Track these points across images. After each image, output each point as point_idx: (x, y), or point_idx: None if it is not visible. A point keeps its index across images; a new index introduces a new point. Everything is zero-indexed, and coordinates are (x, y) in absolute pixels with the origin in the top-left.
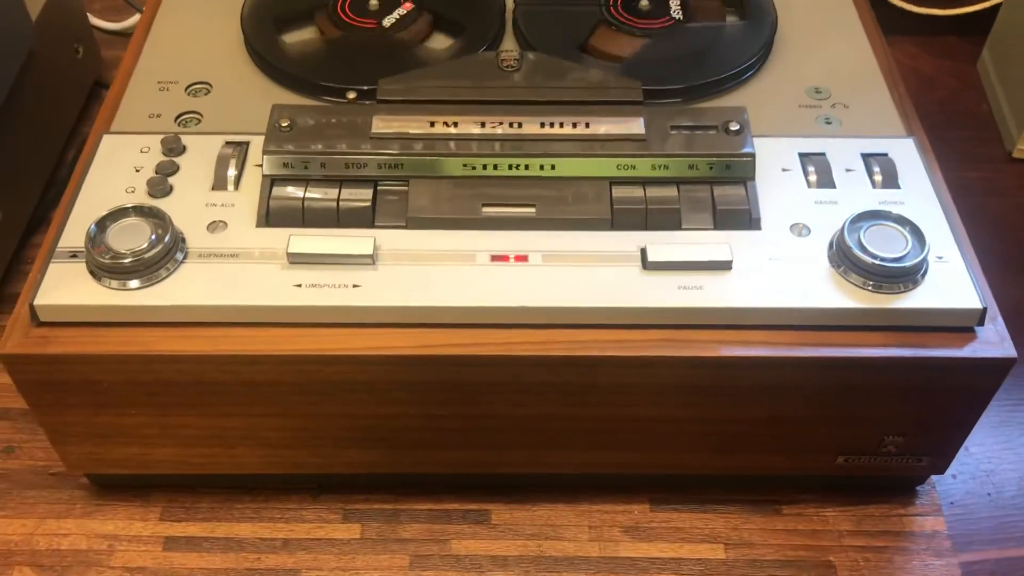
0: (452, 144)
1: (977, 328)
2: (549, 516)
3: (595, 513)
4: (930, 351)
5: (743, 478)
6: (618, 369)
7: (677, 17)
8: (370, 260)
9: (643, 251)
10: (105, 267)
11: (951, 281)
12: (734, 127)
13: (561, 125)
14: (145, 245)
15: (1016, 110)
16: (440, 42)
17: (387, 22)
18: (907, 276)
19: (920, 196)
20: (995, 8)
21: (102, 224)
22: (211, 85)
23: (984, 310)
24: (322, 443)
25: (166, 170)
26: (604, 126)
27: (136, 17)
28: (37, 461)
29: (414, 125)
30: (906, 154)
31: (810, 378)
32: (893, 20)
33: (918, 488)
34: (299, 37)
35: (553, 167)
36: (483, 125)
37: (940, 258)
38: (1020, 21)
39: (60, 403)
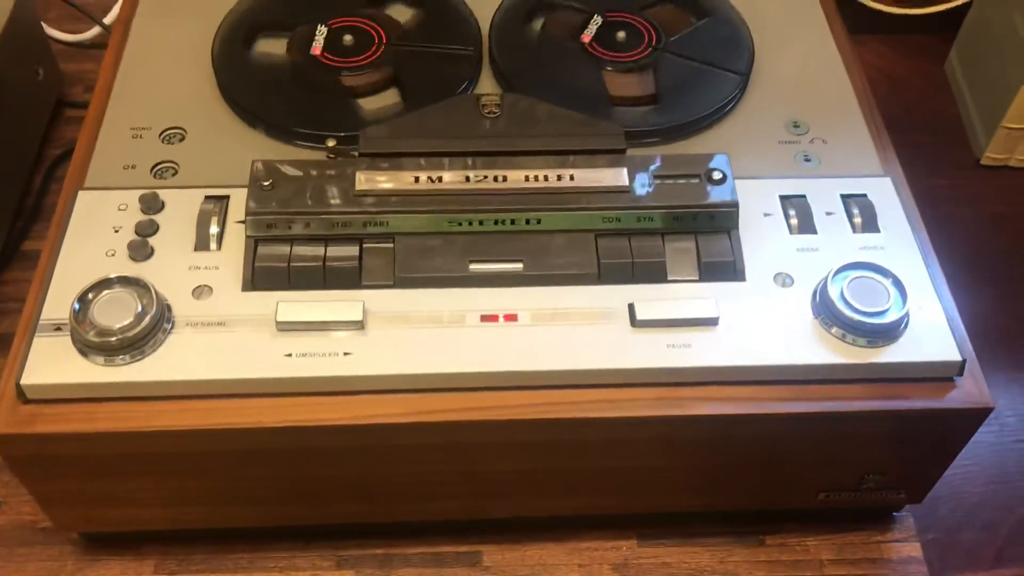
0: (437, 200)
1: (956, 377)
2: (540, 556)
3: (585, 551)
4: (911, 403)
5: (727, 513)
6: (609, 428)
7: (655, 40)
8: (360, 325)
9: (631, 307)
10: (92, 345)
11: (931, 333)
12: (717, 176)
13: (546, 178)
14: (132, 320)
15: (984, 115)
16: (418, 77)
17: (363, 59)
18: (889, 332)
19: (899, 240)
20: (964, 7)
21: (85, 298)
22: (185, 130)
23: (963, 362)
24: (315, 498)
25: (146, 231)
26: (588, 178)
27: (96, 29)
28: (24, 516)
29: (398, 181)
30: (884, 194)
31: (795, 429)
32: (862, 19)
33: (895, 514)
34: (273, 79)
35: (539, 221)
36: (467, 179)
37: (920, 308)
38: (987, 23)
39: (49, 474)
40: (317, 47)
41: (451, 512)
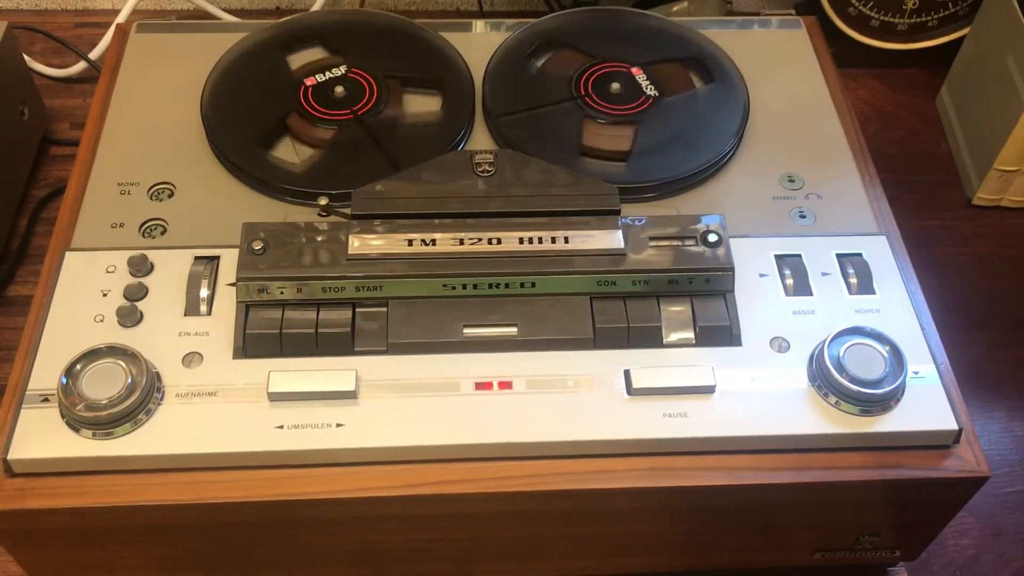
0: (431, 264)
1: (952, 445)
2: None
3: None
4: (907, 471)
5: (719, 571)
6: (603, 498)
7: (651, 94)
8: (352, 395)
9: (627, 375)
10: (81, 419)
11: (928, 401)
12: (712, 238)
13: (540, 241)
14: (122, 392)
15: (975, 155)
16: (410, 128)
17: (353, 113)
18: (886, 401)
19: (895, 303)
20: (956, 42)
21: (73, 370)
22: (174, 186)
23: (959, 431)
24: (304, 563)
25: (135, 295)
26: (583, 241)
27: (82, 65)
28: None
29: (391, 244)
30: (879, 253)
31: (791, 497)
32: (853, 53)
33: (890, 569)
34: (264, 131)
35: (533, 284)
36: (461, 243)
37: (916, 373)
38: (979, 62)
39: (37, 545)
40: (308, 98)
41: (440, 574)
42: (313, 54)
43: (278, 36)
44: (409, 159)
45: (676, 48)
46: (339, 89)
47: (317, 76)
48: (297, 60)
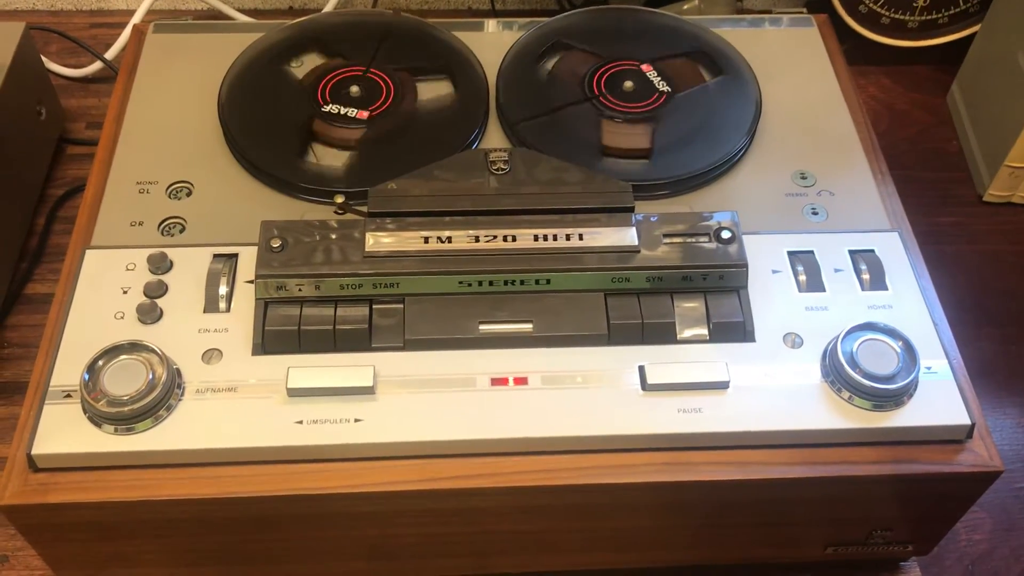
0: (447, 261)
1: (965, 439)
2: None
3: None
4: (920, 466)
5: (731, 565)
6: (618, 493)
7: (663, 92)
8: (370, 391)
9: (642, 371)
10: (103, 415)
11: (940, 396)
12: (726, 235)
13: (555, 238)
14: (143, 388)
15: (986, 152)
16: (425, 127)
17: (369, 112)
18: (899, 396)
19: (907, 299)
20: (966, 39)
21: (95, 366)
22: (192, 184)
23: (972, 426)
24: (324, 558)
25: (155, 292)
26: (597, 238)
27: (97, 65)
28: (33, 571)
29: (407, 242)
30: (892, 250)
31: (804, 492)
32: (864, 51)
33: (902, 563)
34: (280, 130)
35: (548, 281)
36: (477, 240)
37: (928, 369)
38: (990, 60)
39: (60, 539)
40: (324, 96)
41: (456, 569)
42: (328, 54)
43: (294, 36)
44: (424, 158)
45: (688, 45)
46: (355, 89)
47: (333, 76)
48: (313, 60)
